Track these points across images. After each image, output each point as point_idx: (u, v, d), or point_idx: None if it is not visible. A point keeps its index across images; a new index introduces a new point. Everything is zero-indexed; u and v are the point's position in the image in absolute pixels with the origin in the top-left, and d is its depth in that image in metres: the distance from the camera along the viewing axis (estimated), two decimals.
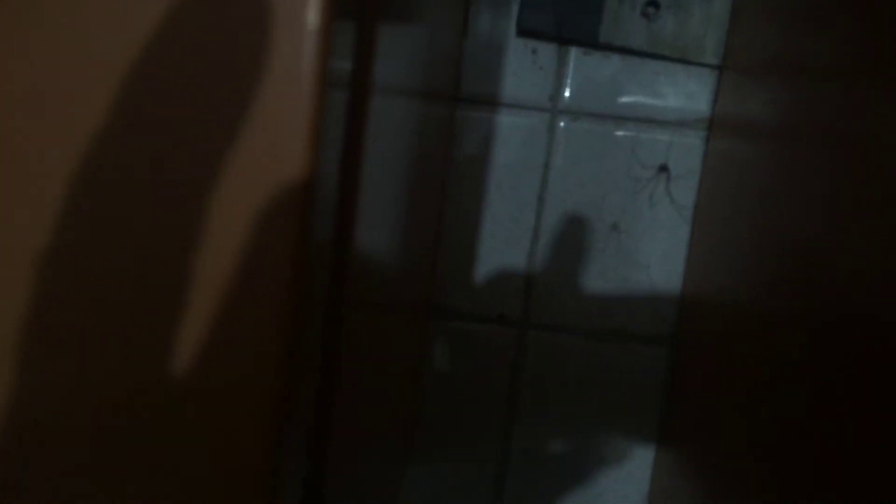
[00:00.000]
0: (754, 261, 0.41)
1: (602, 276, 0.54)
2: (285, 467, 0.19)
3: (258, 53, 0.16)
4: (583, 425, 0.56)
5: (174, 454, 0.18)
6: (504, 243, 0.54)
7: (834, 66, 0.34)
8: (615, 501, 0.57)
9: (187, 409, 0.18)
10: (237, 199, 0.17)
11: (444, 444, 0.57)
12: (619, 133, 0.53)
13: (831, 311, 0.31)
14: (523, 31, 0.52)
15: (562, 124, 0.53)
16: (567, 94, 0.53)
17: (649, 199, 0.53)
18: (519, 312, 0.55)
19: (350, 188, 0.20)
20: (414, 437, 0.57)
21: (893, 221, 0.27)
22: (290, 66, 0.16)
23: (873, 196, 0.28)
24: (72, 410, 0.18)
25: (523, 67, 0.52)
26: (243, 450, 0.18)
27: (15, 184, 0.17)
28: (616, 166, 0.53)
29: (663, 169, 0.53)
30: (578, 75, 0.52)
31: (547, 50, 0.52)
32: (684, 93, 0.52)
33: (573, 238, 0.54)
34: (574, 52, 0.52)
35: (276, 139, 0.16)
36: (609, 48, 0.52)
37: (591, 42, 0.51)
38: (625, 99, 0.53)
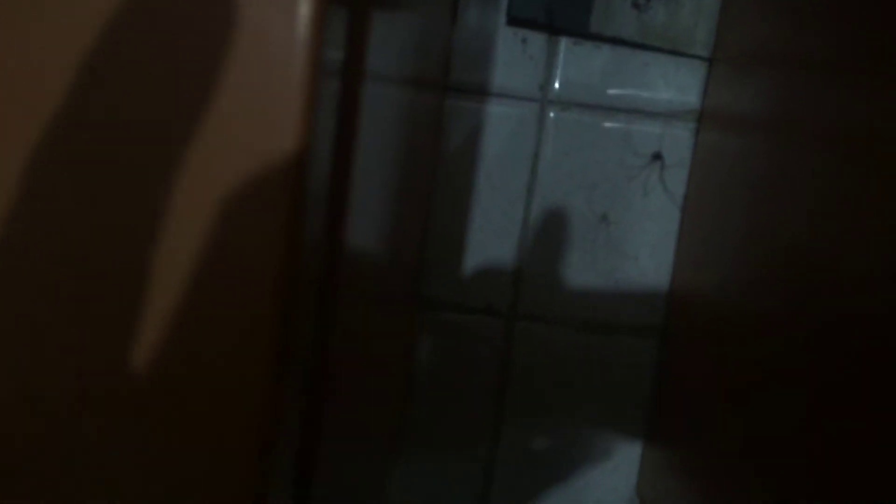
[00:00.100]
0: (744, 253, 0.41)
1: (591, 267, 0.54)
2: (274, 465, 0.18)
3: (251, 42, 0.16)
4: (571, 417, 0.56)
5: (161, 454, 0.18)
6: (493, 234, 0.54)
7: (824, 58, 0.34)
8: (604, 494, 0.58)
9: (174, 407, 0.18)
10: (227, 189, 0.16)
11: (432, 437, 0.57)
12: (609, 124, 0.53)
13: (822, 303, 0.31)
14: (513, 21, 0.51)
15: (551, 115, 0.53)
16: (557, 84, 0.52)
17: (643, 187, 0.53)
18: (507, 304, 0.55)
19: (342, 178, 0.20)
20: (402, 431, 0.57)
21: (883, 213, 0.27)
22: (282, 55, 0.16)
23: (863, 188, 0.28)
24: (55, 410, 0.18)
25: (513, 57, 0.52)
26: (232, 448, 0.18)
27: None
28: (606, 157, 0.53)
29: (657, 157, 0.53)
30: (568, 66, 0.52)
31: (537, 39, 0.52)
32: (675, 84, 0.52)
33: (562, 229, 0.54)
34: (564, 42, 0.52)
35: (269, 128, 0.16)
36: (599, 38, 0.51)
37: (582, 32, 0.51)
38: (615, 90, 0.52)
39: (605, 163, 0.53)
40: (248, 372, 0.17)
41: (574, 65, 0.52)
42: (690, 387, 0.48)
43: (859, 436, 0.27)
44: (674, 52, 0.51)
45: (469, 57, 0.52)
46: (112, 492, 0.18)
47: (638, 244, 0.54)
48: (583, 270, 0.54)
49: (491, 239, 0.54)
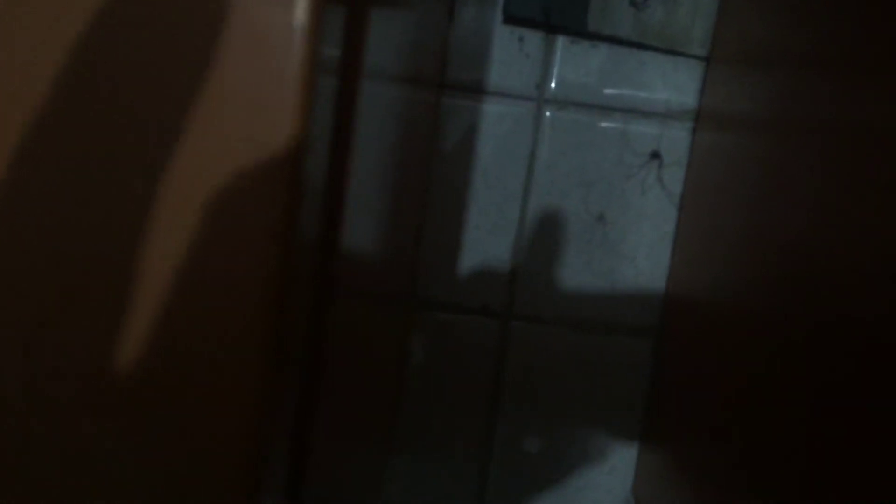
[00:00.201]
0: (741, 253, 0.41)
1: (588, 267, 0.54)
2: (267, 464, 0.18)
3: (248, 39, 0.16)
4: (567, 417, 0.56)
5: (152, 453, 0.18)
6: (488, 234, 0.54)
7: (822, 57, 0.33)
8: (599, 494, 0.57)
9: (165, 406, 0.17)
10: (223, 185, 0.16)
11: (427, 437, 0.57)
12: (606, 124, 0.52)
13: (818, 304, 0.31)
14: (510, 19, 0.51)
15: (548, 114, 0.52)
16: (553, 83, 0.52)
17: (641, 186, 0.53)
18: (503, 304, 0.55)
19: (339, 175, 0.19)
20: (396, 430, 0.57)
21: (881, 213, 0.27)
22: (279, 52, 0.15)
23: (860, 189, 0.28)
24: (47, 409, 0.18)
25: (509, 55, 0.52)
26: (224, 447, 0.18)
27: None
28: (603, 157, 0.53)
29: (655, 155, 0.52)
30: (565, 64, 0.52)
31: (534, 38, 0.52)
32: (672, 84, 0.52)
33: (558, 229, 0.54)
34: (561, 41, 0.52)
35: (265, 124, 0.16)
36: (597, 37, 0.51)
37: (579, 31, 0.51)
38: (612, 89, 0.52)
39: (602, 162, 0.53)
40: (242, 370, 0.17)
41: (571, 64, 0.52)
42: (687, 387, 0.48)
43: (856, 437, 0.27)
44: (671, 52, 0.51)
45: (465, 55, 0.52)
46: (104, 491, 0.18)
47: (634, 244, 0.54)
48: (579, 271, 0.54)
49: (487, 239, 0.54)
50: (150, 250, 0.17)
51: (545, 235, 0.54)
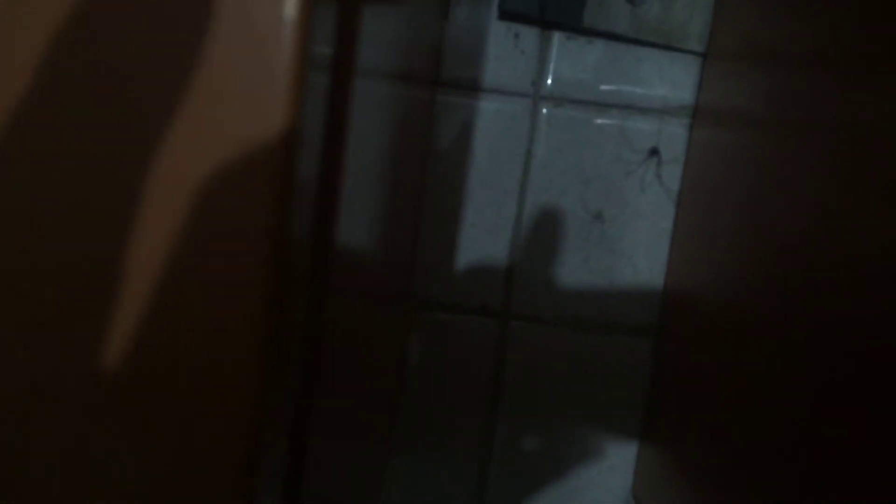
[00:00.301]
0: (740, 251, 0.41)
1: (586, 265, 0.54)
2: (264, 465, 0.18)
3: (237, 36, 0.15)
4: (566, 417, 0.56)
5: (148, 454, 0.18)
6: (485, 233, 0.54)
7: (819, 54, 0.33)
8: (599, 494, 0.57)
9: (157, 407, 0.17)
10: (213, 183, 0.16)
11: (426, 437, 0.56)
12: (603, 120, 0.52)
13: (817, 302, 0.31)
14: (505, 15, 0.51)
15: (544, 111, 0.52)
16: (550, 80, 0.52)
17: (640, 183, 0.52)
18: (501, 303, 0.54)
19: (333, 173, 0.19)
20: (396, 431, 0.56)
21: (879, 210, 0.26)
22: (269, 49, 0.15)
23: (858, 186, 0.28)
24: (40, 411, 0.17)
25: (505, 52, 0.51)
26: (220, 448, 0.17)
27: None
28: (600, 154, 0.52)
29: (654, 152, 0.52)
30: (561, 61, 0.51)
31: (529, 34, 0.51)
32: (669, 79, 0.52)
33: (556, 227, 0.53)
34: (557, 37, 0.51)
35: (255, 121, 0.15)
36: (593, 33, 0.51)
37: (575, 27, 0.50)
38: (608, 86, 0.52)
39: (599, 160, 0.53)
40: (238, 368, 0.17)
41: (567, 60, 0.51)
42: (686, 386, 0.48)
43: (856, 435, 0.27)
44: (668, 47, 0.51)
45: (461, 52, 0.51)
46: (100, 492, 0.18)
47: (632, 242, 0.53)
48: (577, 269, 0.54)
49: (484, 238, 0.54)
50: (142, 249, 0.16)
51: (542, 234, 0.54)
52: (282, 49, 0.15)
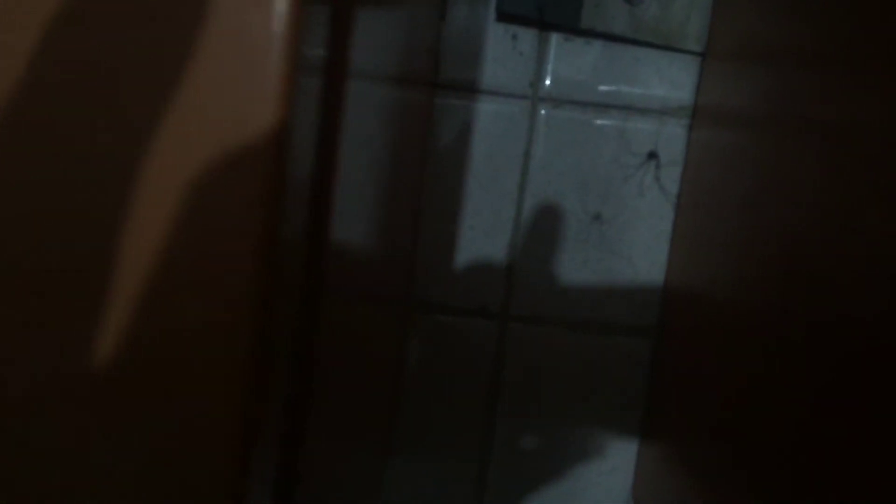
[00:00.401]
0: (739, 251, 0.41)
1: (585, 266, 0.54)
2: (255, 465, 0.18)
3: (227, 37, 0.15)
4: (566, 418, 0.56)
5: (137, 455, 0.17)
6: (484, 234, 0.53)
7: (818, 53, 0.33)
8: (599, 495, 0.57)
9: (148, 406, 0.17)
10: (202, 185, 0.16)
11: (426, 439, 0.56)
12: (602, 122, 0.52)
13: (816, 301, 0.31)
14: (503, 16, 0.51)
15: (542, 112, 0.52)
16: (548, 81, 0.51)
17: (639, 187, 0.52)
18: (500, 305, 0.54)
19: (326, 173, 0.19)
20: (395, 432, 0.56)
21: (879, 210, 0.26)
22: (259, 50, 0.15)
23: (858, 185, 0.28)
24: (29, 406, 0.17)
25: (503, 53, 0.51)
26: (210, 448, 0.17)
27: None
28: (599, 155, 0.52)
29: (652, 155, 0.52)
30: (559, 62, 0.51)
31: (527, 35, 0.51)
32: (667, 80, 0.51)
33: (555, 229, 0.53)
34: (555, 38, 0.51)
35: (246, 122, 0.15)
36: (591, 34, 0.51)
37: (573, 27, 0.50)
38: (607, 86, 0.52)
39: (598, 161, 0.52)
40: (226, 368, 0.17)
41: (565, 61, 0.51)
42: (686, 387, 0.48)
43: (855, 434, 0.27)
44: (666, 47, 0.51)
45: (458, 54, 0.51)
46: (89, 495, 0.18)
47: (631, 243, 0.53)
48: (576, 270, 0.54)
49: (482, 239, 0.53)
50: (132, 249, 0.16)
51: (541, 235, 0.53)
52: (272, 50, 0.15)
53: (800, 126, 0.35)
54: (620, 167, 0.52)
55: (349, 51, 0.19)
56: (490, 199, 0.53)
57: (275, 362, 0.18)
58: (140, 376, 0.17)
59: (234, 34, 0.15)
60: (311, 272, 0.20)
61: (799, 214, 0.33)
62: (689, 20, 0.50)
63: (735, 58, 0.46)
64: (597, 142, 0.52)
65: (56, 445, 0.17)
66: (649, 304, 0.54)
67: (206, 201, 0.16)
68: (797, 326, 0.32)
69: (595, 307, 0.54)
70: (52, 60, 0.15)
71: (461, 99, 0.52)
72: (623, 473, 0.57)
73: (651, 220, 0.53)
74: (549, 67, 0.51)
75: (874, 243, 0.27)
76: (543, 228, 0.53)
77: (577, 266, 0.54)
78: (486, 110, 0.52)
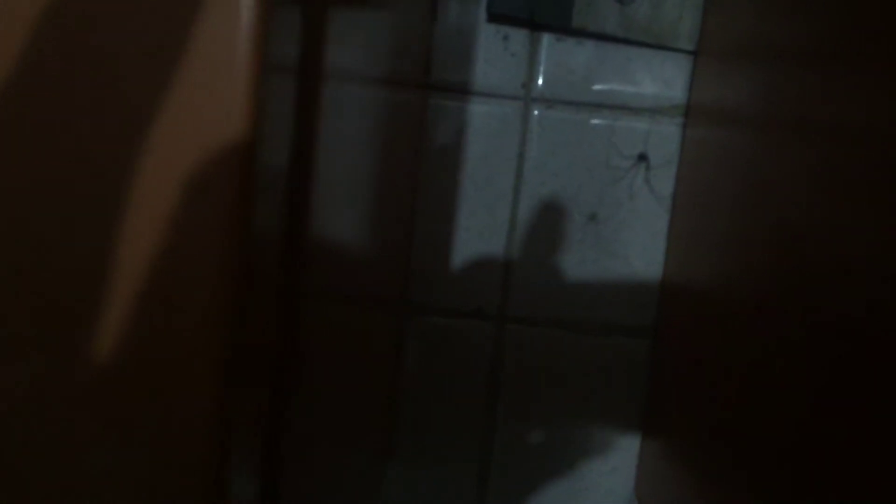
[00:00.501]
0: (735, 250, 0.40)
1: (581, 267, 0.53)
2: (232, 472, 0.18)
3: (194, 36, 0.15)
4: (566, 420, 0.55)
5: (110, 459, 0.17)
6: (479, 236, 0.53)
7: (812, 51, 0.33)
8: (601, 495, 0.57)
9: (118, 408, 0.17)
10: (172, 187, 0.16)
11: (425, 443, 0.56)
12: (595, 121, 0.52)
13: (814, 299, 0.30)
14: (494, 17, 0.51)
15: (535, 112, 0.52)
16: (540, 81, 0.51)
17: (629, 190, 0.52)
18: (496, 306, 0.54)
19: (303, 174, 0.19)
20: (392, 436, 0.56)
21: (873, 208, 0.26)
22: (227, 51, 0.15)
23: (853, 183, 0.28)
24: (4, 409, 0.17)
25: (495, 54, 0.51)
26: (184, 451, 0.17)
27: None
28: (592, 155, 0.52)
29: (642, 158, 0.52)
30: (551, 62, 0.51)
31: (519, 36, 0.51)
32: (660, 79, 0.51)
33: (550, 229, 0.53)
34: (547, 39, 0.51)
35: (214, 122, 0.15)
36: (582, 34, 0.51)
37: (564, 27, 0.50)
38: (599, 86, 0.51)
39: (592, 161, 0.52)
40: (199, 370, 0.17)
41: (557, 61, 0.51)
42: (685, 385, 0.48)
43: (854, 432, 0.26)
44: (658, 46, 0.51)
45: (450, 55, 0.51)
46: (63, 496, 0.18)
47: (627, 243, 0.53)
48: (573, 270, 0.54)
49: (477, 241, 0.53)
50: (102, 249, 0.16)
51: (537, 236, 0.53)
52: (240, 49, 0.15)
53: (793, 123, 0.34)
54: (610, 169, 0.52)
55: (325, 51, 0.19)
56: (485, 200, 0.53)
57: (249, 360, 0.18)
58: (112, 375, 0.17)
59: (202, 32, 0.15)
60: (290, 271, 0.20)
61: (794, 212, 0.33)
62: (681, 19, 0.50)
63: (728, 56, 0.46)
64: (591, 142, 0.52)
65: (27, 447, 0.17)
66: (647, 304, 0.54)
67: (175, 201, 0.15)
68: (795, 324, 0.32)
69: (592, 307, 0.54)
70: (14, 65, 0.15)
71: (454, 100, 0.52)
72: (624, 473, 0.56)
73: (647, 219, 0.53)
74: (541, 68, 0.51)
75: (870, 241, 0.26)
76: (539, 229, 0.53)
77: (573, 266, 0.54)
78: (479, 111, 0.52)
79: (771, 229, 0.35)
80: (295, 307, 0.20)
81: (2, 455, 0.18)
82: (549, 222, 0.53)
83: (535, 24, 0.50)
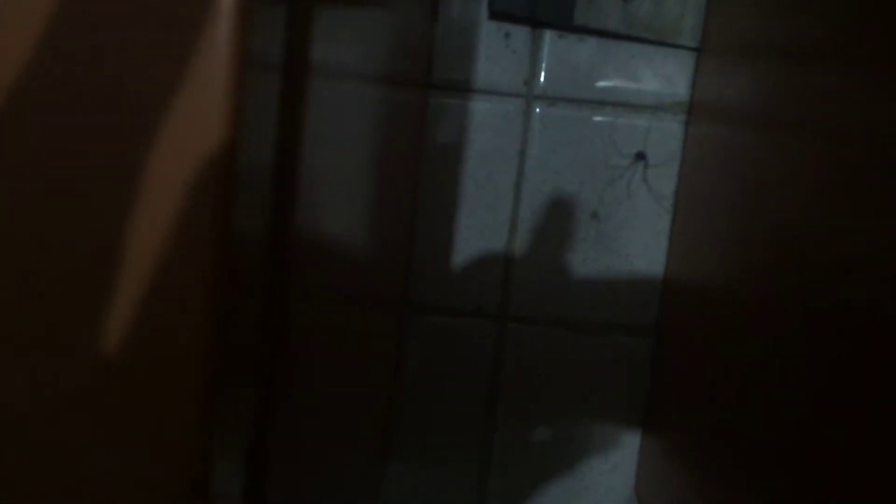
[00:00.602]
0: (737, 248, 0.40)
1: (582, 265, 0.53)
2: (215, 470, 0.18)
3: (172, 31, 0.15)
4: (566, 419, 0.55)
5: (90, 457, 0.17)
6: (480, 234, 0.53)
7: (815, 49, 0.33)
8: (601, 494, 0.57)
9: (101, 407, 0.17)
10: (150, 186, 0.15)
11: (425, 442, 0.56)
12: (597, 118, 0.52)
13: (815, 298, 0.30)
14: (496, 14, 0.50)
15: (537, 110, 0.52)
16: (542, 78, 0.51)
17: (626, 189, 0.52)
18: (497, 305, 0.54)
19: (289, 174, 0.19)
20: (392, 436, 0.56)
21: (877, 206, 0.26)
22: (207, 46, 0.15)
23: (857, 181, 0.28)
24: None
25: (496, 52, 0.51)
26: (166, 452, 0.17)
27: None
28: (594, 153, 0.52)
29: (640, 157, 0.51)
30: (553, 59, 0.51)
31: (520, 33, 0.51)
32: (662, 76, 0.51)
33: (551, 227, 0.53)
34: (548, 36, 0.51)
35: (193, 120, 0.15)
36: (584, 31, 0.50)
37: (566, 24, 0.50)
38: (601, 83, 0.51)
39: (594, 159, 0.52)
40: (184, 377, 0.17)
41: (559, 58, 0.51)
42: (686, 385, 0.48)
43: (855, 432, 0.26)
44: (661, 43, 0.50)
45: (451, 52, 0.51)
46: (46, 495, 0.18)
47: (629, 241, 0.53)
48: (574, 269, 0.53)
49: (479, 239, 0.53)
50: (81, 250, 0.16)
51: (538, 234, 0.53)
52: (219, 46, 0.14)
53: (796, 121, 0.34)
54: (609, 168, 0.52)
55: (312, 48, 0.19)
56: (486, 198, 0.53)
57: (234, 359, 0.17)
58: (93, 374, 0.17)
59: (180, 28, 0.15)
60: (279, 270, 0.20)
61: (796, 211, 0.33)
62: (684, 15, 0.50)
63: (730, 53, 0.46)
64: (593, 139, 0.52)
65: (8, 445, 0.17)
66: (648, 303, 0.53)
67: (154, 200, 0.15)
68: (797, 324, 0.32)
69: (593, 306, 0.54)
70: None
71: (455, 98, 0.51)
72: (624, 472, 0.56)
73: (648, 218, 0.53)
74: (543, 65, 0.51)
75: (871, 240, 0.26)
76: (540, 228, 0.53)
77: (574, 265, 0.53)
78: (480, 109, 0.52)
79: (773, 228, 0.35)
80: (286, 306, 0.20)
81: None
82: (550, 221, 0.53)
83: (536, 22, 0.50)
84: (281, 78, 0.18)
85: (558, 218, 0.53)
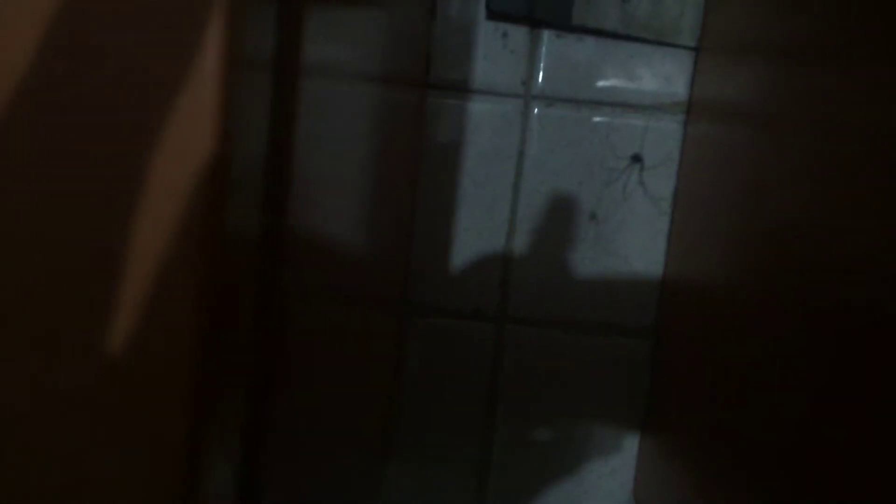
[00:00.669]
0: (736, 249, 0.40)
1: (581, 266, 0.53)
2: (206, 470, 0.17)
3: (164, 33, 0.15)
4: (565, 421, 0.55)
5: (81, 457, 0.17)
6: (478, 235, 0.53)
7: (814, 48, 0.33)
8: (600, 496, 0.56)
9: (98, 409, 0.17)
10: (146, 186, 0.15)
11: (424, 444, 0.56)
12: (595, 119, 0.51)
13: (815, 298, 0.30)
14: (493, 14, 0.50)
15: (535, 110, 0.51)
16: (540, 79, 0.51)
17: (622, 191, 0.52)
18: (496, 306, 0.54)
19: (282, 174, 0.19)
20: (392, 436, 0.56)
21: (877, 206, 0.26)
22: (198, 46, 0.15)
23: (857, 181, 0.28)
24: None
25: (494, 52, 0.51)
26: (157, 451, 0.17)
27: None
28: (593, 153, 0.52)
29: (636, 159, 0.51)
30: (551, 59, 0.51)
31: (518, 33, 0.51)
32: (661, 75, 0.51)
33: (550, 228, 0.53)
34: (546, 35, 0.51)
35: (186, 120, 0.15)
36: (582, 30, 0.50)
37: (564, 24, 0.50)
38: (600, 83, 0.51)
39: (593, 159, 0.52)
40: (175, 379, 0.17)
41: (557, 58, 0.51)
42: (685, 387, 0.48)
43: (853, 431, 0.26)
44: (659, 43, 0.50)
45: (449, 52, 0.51)
46: (34, 496, 0.18)
47: (628, 242, 0.53)
48: (572, 270, 0.53)
49: (477, 241, 0.53)
50: (71, 250, 0.16)
51: (536, 235, 0.53)
52: (207, 43, 0.14)
53: (795, 121, 0.34)
54: (605, 170, 0.52)
55: (304, 47, 0.19)
56: (484, 199, 0.53)
57: (227, 360, 0.17)
58: (83, 375, 0.17)
59: (168, 27, 0.15)
60: (273, 270, 0.20)
61: (796, 210, 0.33)
62: (683, 15, 0.50)
63: (729, 52, 0.45)
64: (591, 140, 0.52)
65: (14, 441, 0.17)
66: (646, 304, 0.53)
67: (144, 200, 0.15)
68: (796, 324, 0.32)
69: (592, 307, 0.53)
70: None
71: (453, 98, 0.51)
72: (623, 474, 0.56)
73: (646, 219, 0.52)
74: (541, 65, 0.51)
75: (871, 240, 0.26)
76: (538, 228, 0.53)
77: (573, 266, 0.53)
78: (479, 109, 0.52)
79: (772, 228, 0.35)
80: (281, 306, 0.20)
81: None
82: (549, 221, 0.53)
83: (534, 21, 0.50)
84: (273, 77, 0.18)
85: (557, 219, 0.53)
